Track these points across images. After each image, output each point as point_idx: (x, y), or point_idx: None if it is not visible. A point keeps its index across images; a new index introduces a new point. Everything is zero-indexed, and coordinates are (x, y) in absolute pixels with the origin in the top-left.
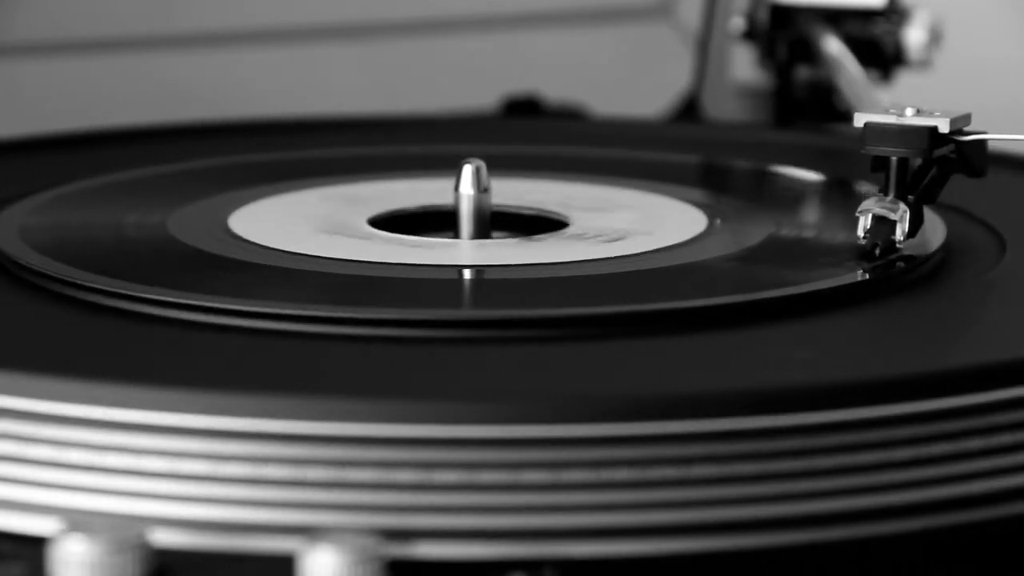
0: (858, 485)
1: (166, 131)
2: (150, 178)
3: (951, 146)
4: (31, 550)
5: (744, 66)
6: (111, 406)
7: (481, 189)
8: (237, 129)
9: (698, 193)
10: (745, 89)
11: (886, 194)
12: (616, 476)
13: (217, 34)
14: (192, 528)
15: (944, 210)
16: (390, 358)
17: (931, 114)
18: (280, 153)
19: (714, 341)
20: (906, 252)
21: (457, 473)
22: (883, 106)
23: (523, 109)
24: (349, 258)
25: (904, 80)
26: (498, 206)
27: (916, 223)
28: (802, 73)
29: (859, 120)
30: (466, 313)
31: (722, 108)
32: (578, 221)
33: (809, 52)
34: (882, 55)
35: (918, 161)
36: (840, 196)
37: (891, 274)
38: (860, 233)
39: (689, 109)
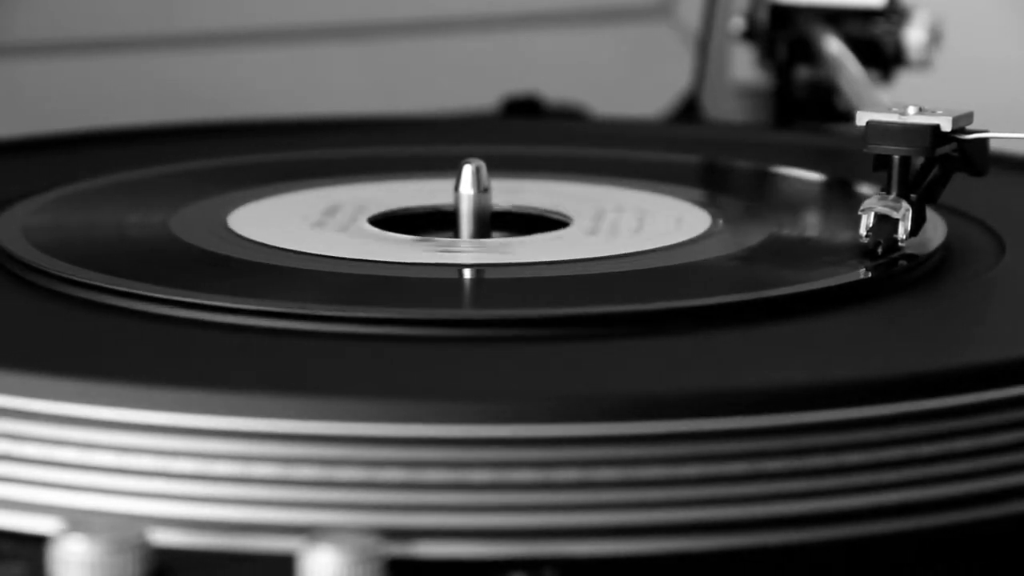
0: (858, 485)
1: (167, 131)
2: (151, 178)
3: (953, 145)
4: (31, 550)
5: (744, 66)
6: (111, 405)
7: (481, 189)
8: (237, 129)
9: (698, 193)
10: (745, 89)
11: (888, 193)
12: (614, 476)
13: (217, 34)
14: (192, 528)
15: (943, 210)
16: (391, 358)
17: (933, 113)
18: (280, 153)
19: (714, 341)
20: (908, 251)
21: (455, 473)
22: (885, 105)
23: (523, 109)
24: (349, 257)
25: (904, 80)
26: (498, 206)
27: (918, 222)
28: (802, 73)
29: (861, 119)
30: (466, 312)
31: (722, 108)
32: (578, 221)
33: (809, 52)
34: (882, 55)
35: (920, 160)
36: (840, 196)
37: (892, 273)
38: (862, 232)
39: (689, 109)
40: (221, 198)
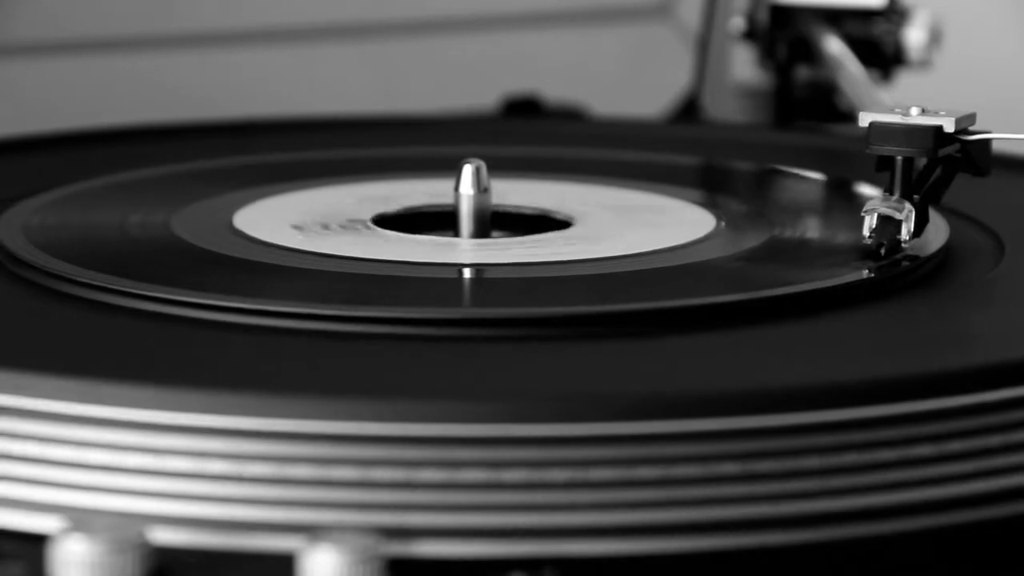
0: (857, 484)
1: (167, 131)
2: (152, 178)
3: (956, 146)
4: (32, 549)
5: (744, 66)
6: (112, 405)
7: (481, 189)
8: (237, 129)
9: (698, 193)
10: (745, 89)
11: (891, 194)
12: (615, 475)
13: (217, 34)
14: (193, 527)
15: (943, 210)
16: (390, 357)
17: (936, 113)
18: (281, 153)
19: (715, 341)
20: (910, 252)
21: (453, 472)
22: (888, 106)
23: (523, 109)
24: (349, 257)
25: (904, 80)
26: (498, 206)
27: (921, 222)
28: (802, 73)
29: (864, 120)
30: (466, 312)
31: (722, 108)
32: (578, 221)
33: (809, 52)
34: (882, 55)
35: (923, 161)
36: (841, 196)
37: (894, 274)
38: (865, 232)
39: (689, 109)
40: (221, 198)
